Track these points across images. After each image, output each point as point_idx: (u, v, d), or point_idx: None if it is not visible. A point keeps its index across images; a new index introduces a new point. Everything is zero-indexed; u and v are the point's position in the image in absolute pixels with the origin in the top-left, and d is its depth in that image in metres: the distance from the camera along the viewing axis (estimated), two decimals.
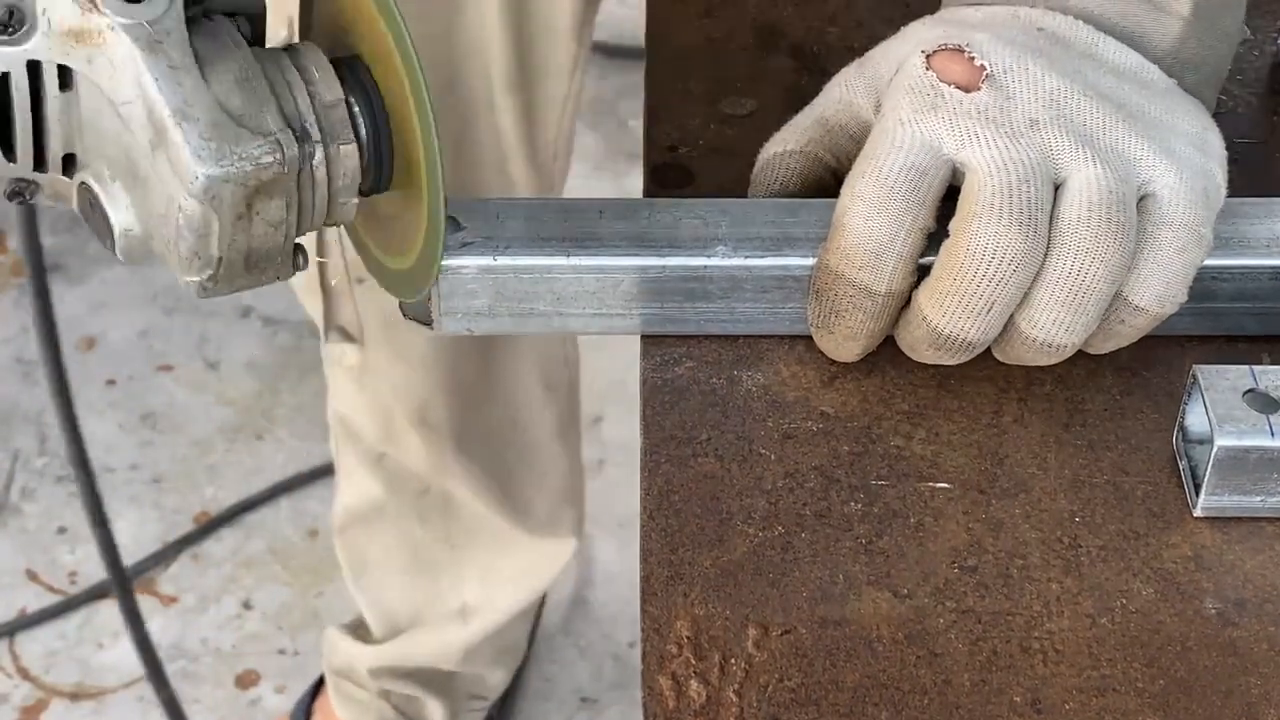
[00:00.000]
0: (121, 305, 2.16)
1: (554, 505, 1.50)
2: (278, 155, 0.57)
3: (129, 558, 1.85)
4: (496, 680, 1.63)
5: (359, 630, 1.56)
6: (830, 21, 0.82)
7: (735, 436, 0.63)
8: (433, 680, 1.56)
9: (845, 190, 0.61)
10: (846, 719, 0.54)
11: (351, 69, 0.61)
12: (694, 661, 0.56)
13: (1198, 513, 0.60)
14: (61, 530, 1.89)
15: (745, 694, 0.55)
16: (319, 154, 0.59)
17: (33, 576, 1.84)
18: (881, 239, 0.59)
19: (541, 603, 1.69)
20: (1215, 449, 0.58)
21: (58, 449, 1.98)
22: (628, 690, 1.75)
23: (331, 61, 0.61)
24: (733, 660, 0.56)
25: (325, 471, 1.95)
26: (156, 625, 1.80)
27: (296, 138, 0.58)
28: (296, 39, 0.64)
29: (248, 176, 0.56)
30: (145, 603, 1.82)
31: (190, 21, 0.57)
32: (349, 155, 0.60)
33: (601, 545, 1.83)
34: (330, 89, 0.60)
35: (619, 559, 1.84)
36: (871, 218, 0.59)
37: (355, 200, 0.61)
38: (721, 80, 0.78)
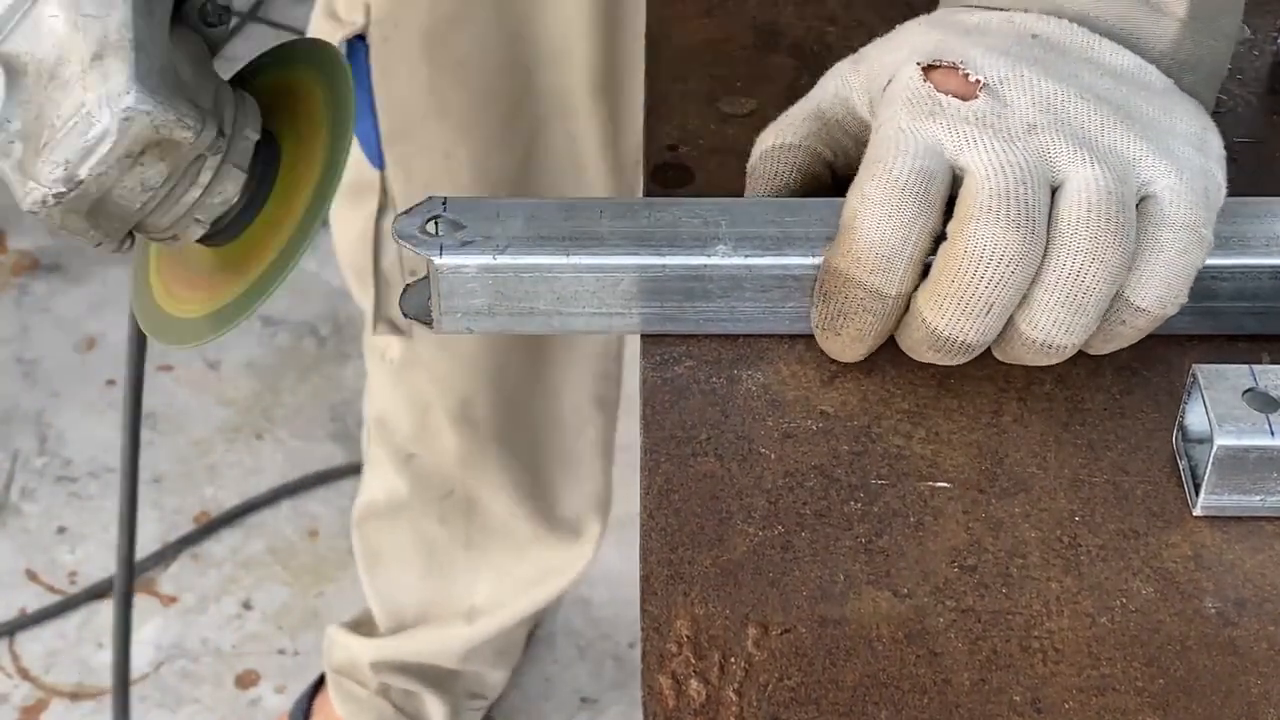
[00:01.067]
0: (121, 305, 2.16)
1: (581, 516, 1.50)
2: (196, 127, 0.59)
3: None
4: (496, 679, 1.63)
5: (362, 626, 1.57)
6: (830, 21, 0.82)
7: (735, 436, 0.63)
8: (433, 677, 1.56)
9: (854, 193, 0.61)
10: (846, 718, 0.54)
11: (269, 133, 0.64)
12: (694, 660, 0.56)
13: (1197, 512, 0.60)
14: (61, 530, 1.89)
15: (745, 693, 0.55)
16: (217, 159, 0.61)
17: (33, 576, 1.84)
18: (894, 242, 0.59)
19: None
20: (1215, 448, 0.58)
21: (58, 449, 1.98)
22: (628, 690, 1.75)
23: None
24: (732, 659, 0.56)
25: (325, 473, 1.95)
26: (156, 625, 1.80)
27: (218, 131, 0.60)
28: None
29: (163, 125, 0.58)
30: (145, 603, 1.82)
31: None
32: (234, 180, 0.62)
33: (602, 545, 1.82)
34: (254, 127, 0.62)
35: (619, 559, 1.84)
36: (883, 221, 0.59)
37: (200, 230, 0.63)
38: (721, 80, 0.78)
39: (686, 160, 0.74)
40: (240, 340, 2.11)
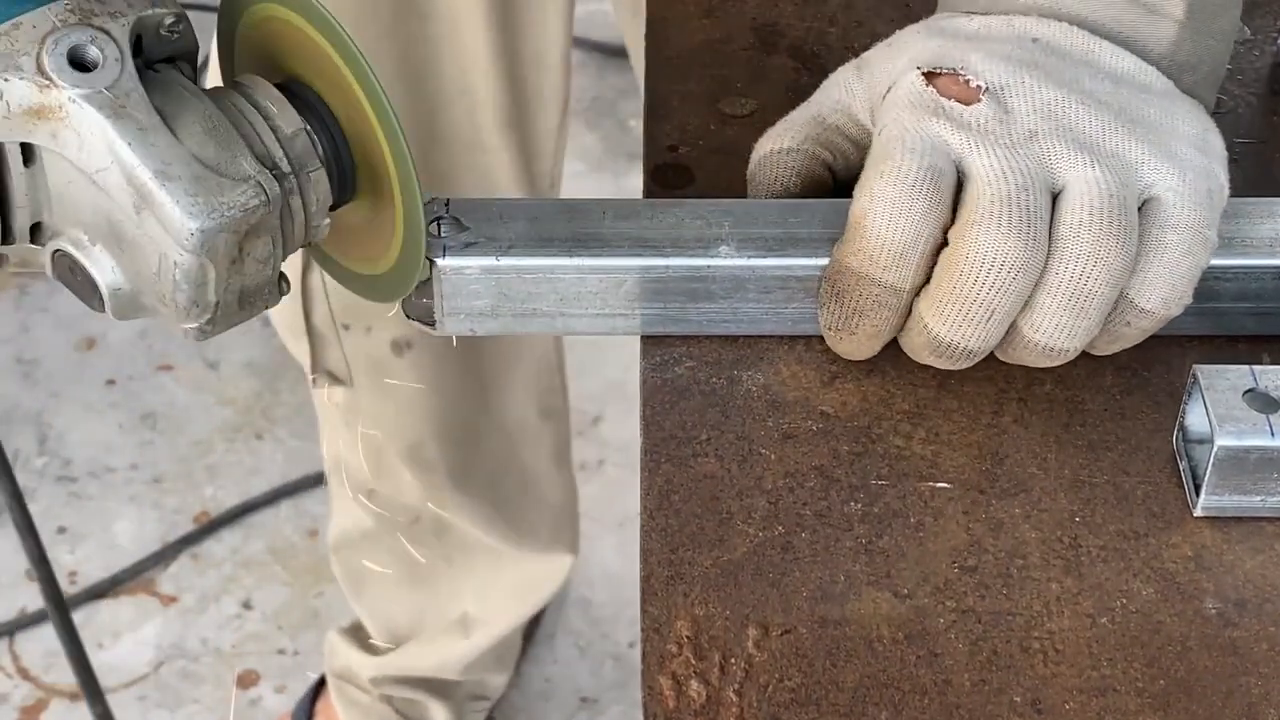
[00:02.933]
0: None
1: (552, 527, 1.51)
2: (262, 197, 0.57)
3: (129, 558, 1.85)
4: (498, 682, 1.64)
5: (360, 634, 1.56)
6: (830, 22, 0.82)
7: (735, 436, 0.63)
8: (435, 686, 1.56)
9: (862, 192, 0.61)
10: (846, 719, 0.54)
11: (296, 93, 0.61)
12: (694, 661, 0.56)
13: (1198, 512, 0.60)
14: (61, 530, 1.89)
15: (745, 694, 0.55)
16: (293, 184, 0.60)
17: (33, 576, 1.84)
18: (906, 238, 0.59)
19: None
20: (1215, 449, 0.58)
21: (58, 449, 1.98)
22: (628, 690, 1.75)
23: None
24: (733, 660, 0.56)
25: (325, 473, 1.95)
26: (156, 625, 1.80)
27: (274, 175, 0.59)
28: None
29: (238, 223, 0.57)
30: (145, 603, 1.82)
31: (140, 77, 0.57)
32: (319, 180, 0.61)
33: (601, 545, 1.82)
34: (288, 120, 0.60)
35: (619, 559, 1.84)
36: (895, 218, 0.59)
37: (327, 220, 0.62)
38: (721, 80, 0.78)
39: (686, 160, 0.74)
40: (240, 340, 2.11)
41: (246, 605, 1.83)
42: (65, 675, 1.76)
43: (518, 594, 1.52)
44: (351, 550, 1.47)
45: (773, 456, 0.62)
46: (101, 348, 2.10)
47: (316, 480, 1.94)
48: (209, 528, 1.89)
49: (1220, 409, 0.58)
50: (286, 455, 1.97)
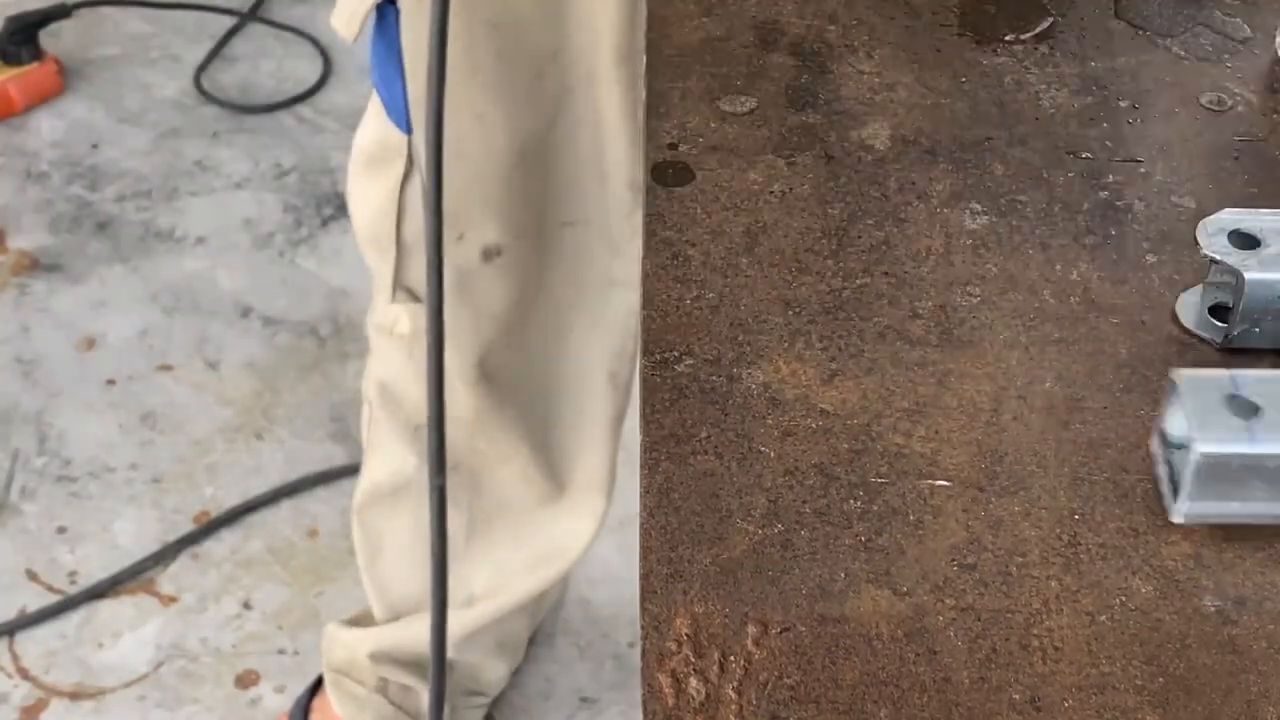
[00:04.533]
0: (121, 305, 2.16)
1: (584, 491, 1.49)
2: None
3: (129, 558, 1.85)
4: (495, 676, 1.63)
5: (361, 620, 1.57)
6: (830, 19, 0.82)
7: (735, 434, 0.63)
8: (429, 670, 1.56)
9: None
10: (846, 716, 0.54)
11: None
12: (693, 659, 0.56)
13: (1177, 519, 0.60)
14: (61, 530, 1.89)
15: (745, 691, 0.55)
16: None
17: (33, 576, 1.84)
18: None
19: (545, 601, 1.69)
20: (1194, 455, 0.58)
21: (58, 449, 1.98)
22: (628, 690, 1.75)
23: None
24: (732, 658, 0.56)
25: (325, 473, 1.95)
26: (156, 625, 1.80)
27: None
28: None
29: None
30: (145, 602, 1.82)
31: None
32: None
33: (602, 545, 1.82)
34: None
35: (619, 559, 1.84)
36: None
37: None
38: (721, 78, 0.78)
39: (686, 159, 0.74)
40: (240, 340, 2.11)
41: (246, 605, 1.83)
42: (65, 675, 1.76)
43: (529, 568, 1.51)
44: (377, 512, 1.48)
45: (772, 454, 0.62)
46: (101, 348, 2.10)
47: (316, 480, 1.94)
48: (209, 528, 1.89)
49: (1199, 415, 0.58)
50: (286, 455, 1.97)
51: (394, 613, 1.53)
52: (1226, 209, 0.64)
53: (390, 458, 1.43)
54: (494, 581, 1.50)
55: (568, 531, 1.51)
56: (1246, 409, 0.58)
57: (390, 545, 1.49)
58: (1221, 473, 0.58)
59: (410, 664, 1.56)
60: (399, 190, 1.22)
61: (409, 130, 1.19)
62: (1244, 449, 0.57)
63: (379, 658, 1.56)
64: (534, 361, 1.35)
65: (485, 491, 1.43)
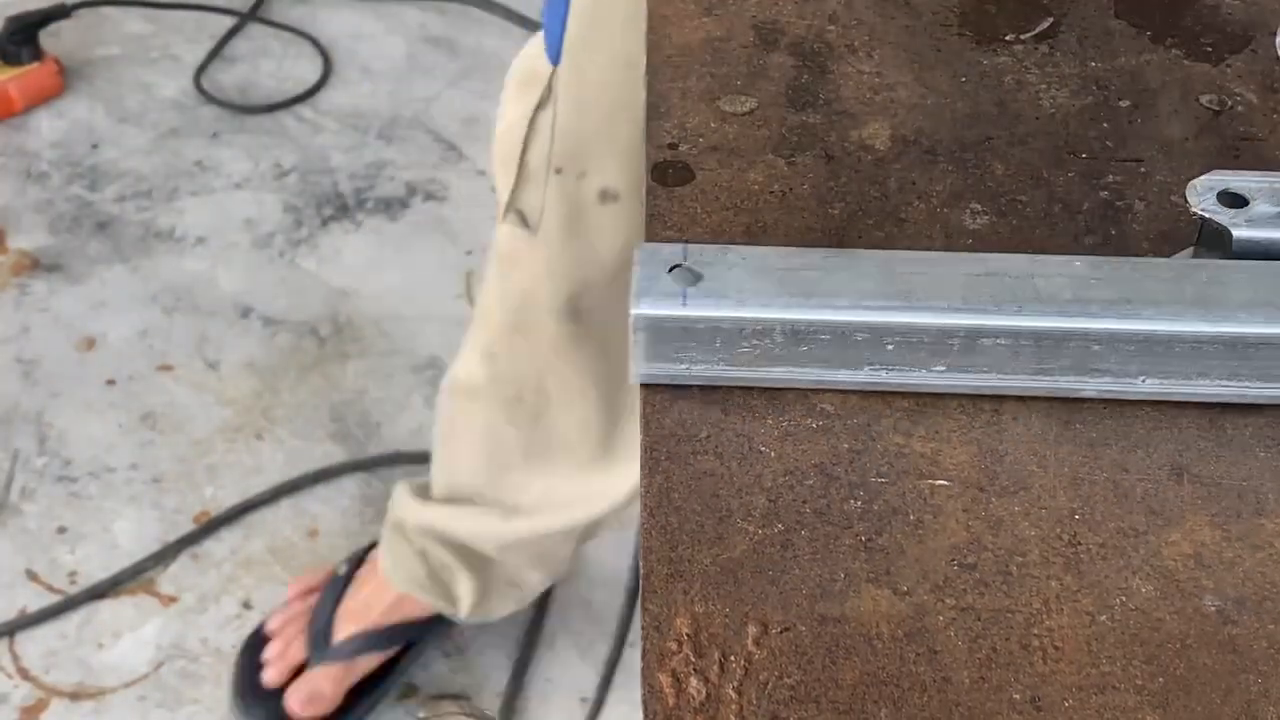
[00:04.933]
0: (121, 305, 2.16)
1: (635, 449, 1.52)
2: None
3: (129, 558, 1.85)
4: (533, 580, 1.67)
5: (422, 491, 1.63)
6: (830, 19, 0.82)
7: (735, 434, 0.63)
8: (469, 557, 1.61)
9: None
10: (846, 716, 0.54)
11: None
12: (694, 659, 0.56)
13: (633, 380, 0.63)
14: (61, 530, 1.89)
15: (745, 691, 0.55)
16: None
17: (33, 576, 1.84)
18: None
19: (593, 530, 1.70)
20: (633, 318, 0.61)
21: (58, 449, 1.98)
22: (628, 690, 1.75)
23: None
24: (732, 657, 0.56)
25: (325, 472, 1.95)
26: (156, 625, 1.80)
27: None
28: None
29: None
30: (145, 603, 1.82)
31: None
32: None
33: (602, 545, 1.83)
34: None
35: (619, 559, 1.84)
36: None
37: None
38: (721, 78, 0.78)
39: (686, 159, 0.74)
40: (240, 340, 2.11)
41: (246, 605, 1.83)
42: (65, 675, 1.76)
43: (571, 505, 1.55)
44: (456, 402, 1.52)
45: (772, 454, 0.62)
46: (101, 348, 2.10)
47: (316, 480, 1.94)
48: (209, 528, 1.89)
49: (645, 282, 0.61)
50: (286, 455, 1.97)
51: (450, 494, 1.58)
52: (1216, 170, 0.65)
53: (469, 361, 1.48)
54: (538, 502, 1.54)
55: (610, 483, 1.54)
56: (688, 277, 0.61)
57: (464, 432, 1.54)
58: (663, 335, 0.61)
59: (451, 545, 1.61)
60: (532, 114, 1.24)
61: (557, 63, 1.21)
62: (676, 312, 0.61)
63: (425, 531, 1.61)
64: (620, 316, 1.36)
65: (544, 429, 1.46)
